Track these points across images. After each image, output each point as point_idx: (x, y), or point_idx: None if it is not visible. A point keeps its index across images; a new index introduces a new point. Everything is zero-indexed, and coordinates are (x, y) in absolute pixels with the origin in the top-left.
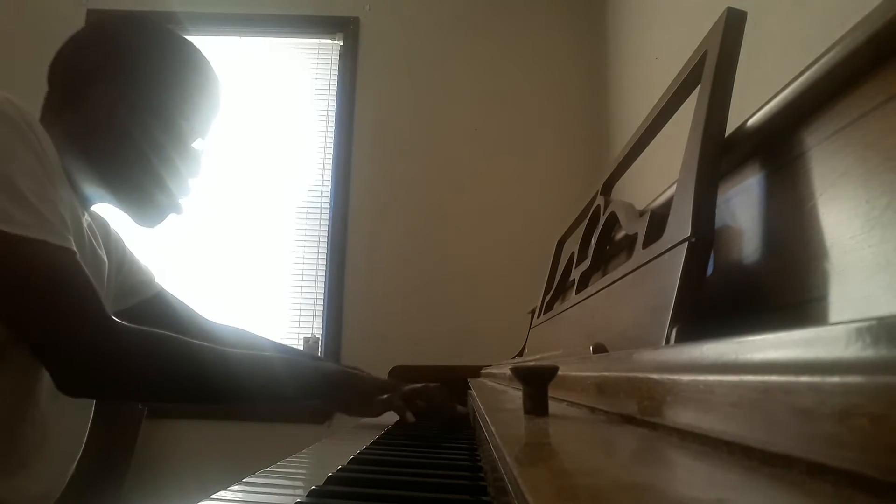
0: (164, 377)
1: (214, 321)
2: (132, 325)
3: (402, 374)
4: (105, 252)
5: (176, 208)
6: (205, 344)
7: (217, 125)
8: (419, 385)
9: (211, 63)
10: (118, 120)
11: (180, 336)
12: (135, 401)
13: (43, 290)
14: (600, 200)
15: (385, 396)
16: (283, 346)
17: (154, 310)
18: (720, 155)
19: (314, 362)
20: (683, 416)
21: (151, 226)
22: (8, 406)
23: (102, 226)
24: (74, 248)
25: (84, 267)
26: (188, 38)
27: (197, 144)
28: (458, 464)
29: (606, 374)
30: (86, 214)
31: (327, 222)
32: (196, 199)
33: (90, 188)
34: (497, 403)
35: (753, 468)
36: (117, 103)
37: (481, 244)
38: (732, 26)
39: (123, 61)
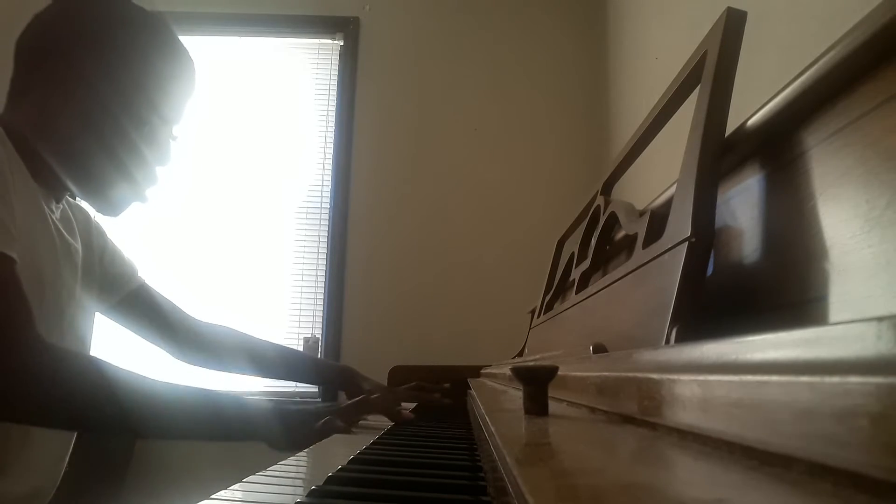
0: (85, 403)
1: (201, 319)
2: (59, 346)
3: (402, 374)
4: (81, 241)
5: (140, 198)
6: (134, 372)
7: (191, 110)
8: (357, 399)
9: (185, 45)
10: (76, 101)
11: (107, 361)
12: (52, 425)
13: None
14: (600, 200)
15: (322, 422)
16: (279, 345)
17: (139, 305)
18: (720, 155)
19: (242, 402)
20: (683, 416)
21: (113, 215)
22: None
23: (83, 216)
24: (14, 256)
25: (18, 278)
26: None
27: (167, 130)
28: (458, 464)
29: (606, 374)
30: (57, 204)
31: (327, 222)
32: (165, 187)
33: (52, 174)
34: (497, 403)
35: (753, 468)
36: (75, 82)
37: (481, 244)
38: (732, 26)
39: (85, 37)
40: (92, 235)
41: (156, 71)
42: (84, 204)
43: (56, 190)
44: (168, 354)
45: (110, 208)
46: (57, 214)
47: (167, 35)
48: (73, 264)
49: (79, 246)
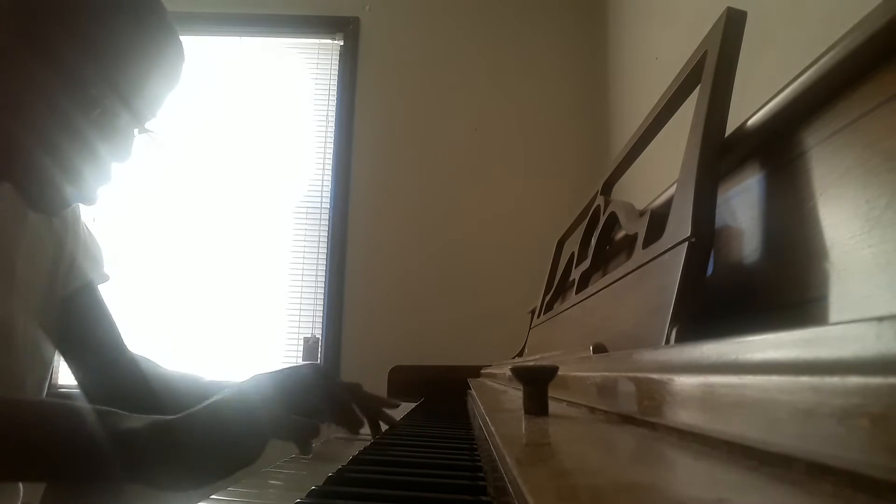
0: None
1: (132, 350)
2: None
3: (402, 374)
4: (36, 221)
5: (87, 199)
6: None
7: (169, 101)
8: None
9: (167, 19)
10: (4, 75)
11: None
12: None
13: None
14: (600, 200)
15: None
16: (190, 379)
17: (78, 310)
18: (720, 155)
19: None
20: (683, 416)
21: (47, 213)
22: None
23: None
24: None
25: None
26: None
27: (131, 120)
28: (458, 464)
29: (606, 374)
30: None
31: (327, 222)
32: (119, 185)
33: None
34: (497, 403)
35: (753, 468)
36: (6, 52)
37: (481, 244)
38: (732, 26)
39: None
40: (67, 217)
41: (118, 50)
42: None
43: None
44: (81, 387)
45: (46, 206)
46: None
47: (139, 3)
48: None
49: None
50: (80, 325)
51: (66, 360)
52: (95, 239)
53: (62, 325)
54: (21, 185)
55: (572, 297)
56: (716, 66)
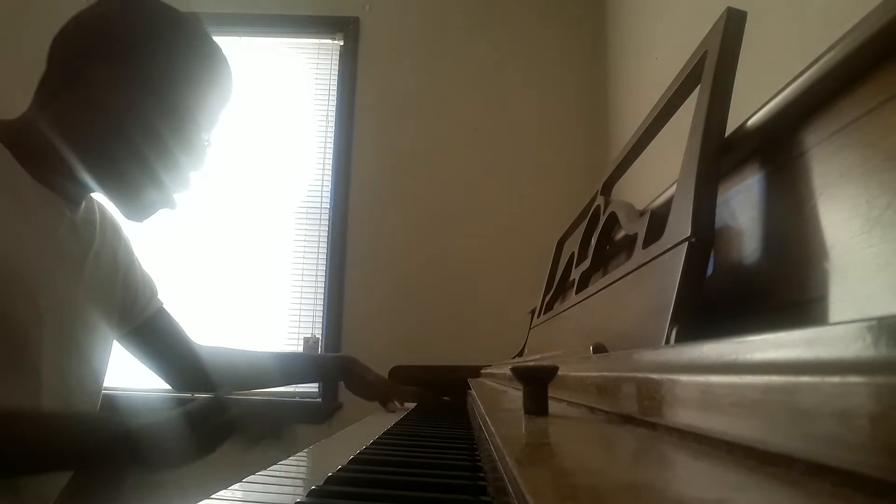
0: None
1: (202, 345)
2: None
3: (402, 374)
4: (105, 252)
5: (169, 203)
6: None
7: (226, 117)
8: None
9: (223, 51)
10: (113, 103)
11: None
12: None
13: None
14: (600, 200)
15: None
16: (275, 353)
17: (154, 334)
18: (720, 155)
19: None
20: (683, 416)
21: (139, 220)
22: None
23: (111, 225)
24: None
25: None
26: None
27: (203, 135)
28: (458, 464)
29: (606, 374)
30: (74, 206)
31: (327, 222)
32: (194, 193)
33: (77, 176)
34: (497, 403)
35: (753, 468)
36: (114, 85)
37: (481, 244)
38: (732, 26)
39: (127, 40)
40: (119, 249)
41: (198, 77)
42: (111, 208)
43: (72, 192)
44: (167, 384)
45: (137, 214)
46: (76, 217)
47: (208, 42)
48: (83, 279)
49: (96, 253)
50: (161, 345)
51: (159, 373)
52: (147, 272)
53: (141, 345)
54: (117, 195)
55: (572, 297)
56: (716, 66)
